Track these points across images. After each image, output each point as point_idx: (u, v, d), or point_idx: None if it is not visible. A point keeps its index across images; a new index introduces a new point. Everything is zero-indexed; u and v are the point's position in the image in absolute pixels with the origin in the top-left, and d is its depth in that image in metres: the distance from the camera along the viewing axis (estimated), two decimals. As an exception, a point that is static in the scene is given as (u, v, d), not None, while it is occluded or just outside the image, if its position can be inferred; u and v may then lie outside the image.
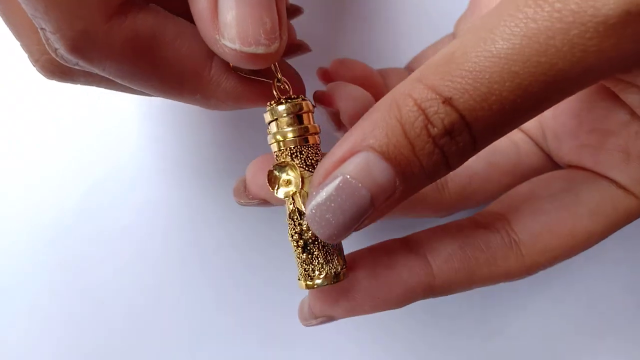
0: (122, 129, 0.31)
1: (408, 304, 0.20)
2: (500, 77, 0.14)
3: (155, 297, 0.31)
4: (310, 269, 0.18)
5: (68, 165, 0.31)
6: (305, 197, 0.18)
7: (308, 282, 0.18)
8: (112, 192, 0.31)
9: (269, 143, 0.19)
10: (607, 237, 0.20)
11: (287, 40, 0.18)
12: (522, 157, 0.24)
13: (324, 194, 0.16)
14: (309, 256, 0.18)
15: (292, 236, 0.18)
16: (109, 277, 0.31)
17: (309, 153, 0.19)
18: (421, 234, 0.20)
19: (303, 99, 0.19)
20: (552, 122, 0.23)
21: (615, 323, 0.32)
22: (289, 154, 0.18)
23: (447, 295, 0.20)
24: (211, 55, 0.18)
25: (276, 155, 0.19)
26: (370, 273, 0.19)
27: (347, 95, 0.21)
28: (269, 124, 0.19)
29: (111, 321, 0.31)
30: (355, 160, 0.16)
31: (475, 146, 0.15)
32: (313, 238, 0.18)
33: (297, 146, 0.18)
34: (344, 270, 0.19)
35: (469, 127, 0.15)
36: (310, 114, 0.19)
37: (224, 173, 0.31)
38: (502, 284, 0.20)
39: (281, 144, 0.19)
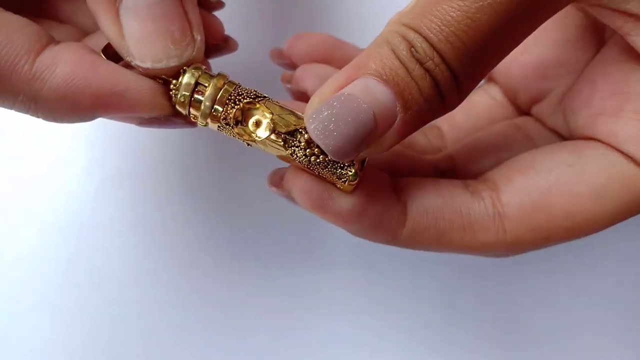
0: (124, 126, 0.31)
1: (366, 238, 0.19)
2: (452, 8, 0.15)
3: (155, 295, 0.31)
4: (340, 166, 0.18)
5: (67, 164, 0.31)
6: (278, 122, 0.18)
7: (343, 179, 0.18)
8: (111, 190, 0.31)
9: (205, 114, 0.18)
10: (620, 221, 0.18)
11: (203, 38, 0.18)
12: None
13: (325, 109, 0.16)
14: (325, 161, 0.17)
15: (305, 157, 0.18)
16: (107, 275, 0.31)
17: (240, 90, 0.18)
18: (411, 180, 0.20)
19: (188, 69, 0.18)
20: (569, 98, 0.21)
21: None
22: (232, 104, 0.18)
23: (410, 248, 0.19)
24: (37, 49, 0.17)
25: (224, 120, 0.18)
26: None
27: (313, 74, 0.22)
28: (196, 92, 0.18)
29: (110, 320, 0.31)
30: (354, 84, 0.16)
31: (457, 80, 0.16)
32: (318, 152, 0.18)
33: (231, 93, 0.18)
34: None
35: (441, 55, 0.15)
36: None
37: (223, 170, 0.31)
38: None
39: (219, 101, 0.18)
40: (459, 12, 0.15)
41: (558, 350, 0.31)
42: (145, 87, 0.18)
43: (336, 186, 0.18)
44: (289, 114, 0.18)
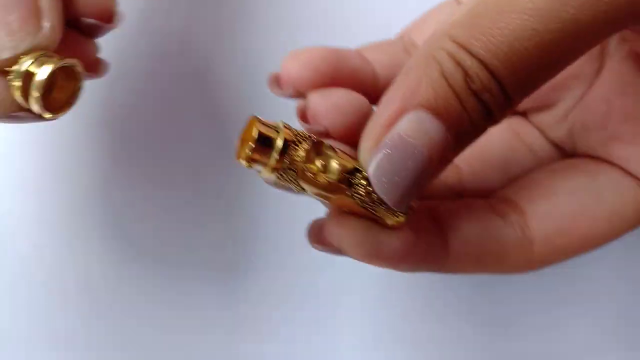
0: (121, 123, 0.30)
1: (413, 271, 0.19)
2: (521, 33, 0.14)
3: (153, 293, 0.31)
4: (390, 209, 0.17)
5: (63, 161, 0.30)
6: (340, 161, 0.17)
7: (394, 218, 0.17)
8: (108, 187, 0.31)
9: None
10: (618, 238, 0.20)
11: (56, 26, 0.17)
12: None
13: (382, 156, 0.15)
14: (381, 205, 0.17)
15: (367, 194, 0.17)
16: (105, 273, 0.31)
17: (295, 131, 0.17)
18: (449, 208, 0.20)
19: None
20: (579, 113, 0.21)
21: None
22: (294, 145, 0.17)
23: (445, 273, 0.20)
24: None
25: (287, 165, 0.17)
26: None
27: (331, 106, 0.19)
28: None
29: (109, 318, 0.31)
30: (407, 121, 0.15)
31: (510, 101, 0.15)
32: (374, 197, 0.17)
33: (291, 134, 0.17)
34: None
35: (499, 83, 0.15)
36: None
37: (222, 166, 0.30)
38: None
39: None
40: (528, 32, 0.14)
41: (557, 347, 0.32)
42: None
43: (384, 221, 0.18)
44: (343, 153, 0.17)
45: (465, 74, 0.15)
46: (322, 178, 0.17)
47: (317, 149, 0.17)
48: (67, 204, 0.31)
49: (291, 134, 0.17)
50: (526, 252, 0.19)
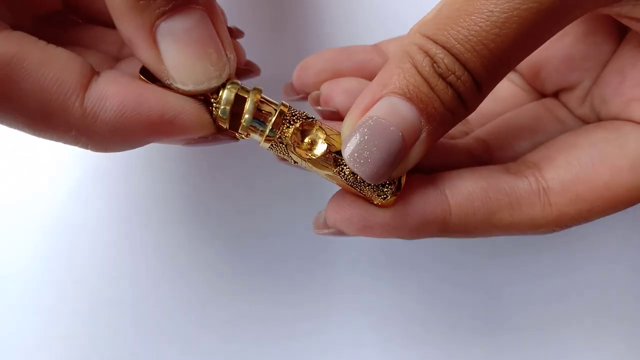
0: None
1: (421, 237, 0.20)
2: (480, 19, 0.16)
3: (152, 292, 0.31)
4: (379, 187, 0.19)
5: (61, 159, 0.31)
6: (332, 142, 0.19)
7: (382, 196, 0.19)
8: (106, 185, 0.31)
9: (267, 135, 0.19)
10: None
11: (235, 57, 0.19)
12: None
13: (357, 135, 0.17)
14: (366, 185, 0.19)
15: (352, 175, 0.19)
16: (104, 272, 0.31)
17: (293, 111, 0.19)
18: (447, 173, 0.20)
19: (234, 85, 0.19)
20: (597, 89, 0.22)
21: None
22: (287, 124, 0.19)
23: (464, 236, 0.20)
24: (84, 83, 0.17)
25: (279, 139, 0.19)
26: None
27: (341, 90, 0.22)
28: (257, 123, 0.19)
29: (108, 317, 0.31)
30: (380, 105, 0.17)
31: (479, 86, 0.17)
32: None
33: (285, 113, 0.19)
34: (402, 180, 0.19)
35: (465, 65, 0.16)
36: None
37: (221, 164, 0.31)
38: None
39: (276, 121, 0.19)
40: (487, 23, 0.16)
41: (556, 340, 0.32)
42: (192, 110, 0.18)
43: (372, 201, 0.19)
44: (337, 134, 0.19)
45: (432, 60, 0.16)
46: (308, 155, 0.18)
47: (308, 127, 0.19)
48: (67, 203, 0.31)
49: (287, 111, 0.19)
50: (542, 201, 0.19)
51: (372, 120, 0.17)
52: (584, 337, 0.32)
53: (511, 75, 0.25)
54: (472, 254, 0.32)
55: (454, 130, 0.24)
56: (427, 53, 0.17)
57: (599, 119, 0.22)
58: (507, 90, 0.25)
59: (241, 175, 0.31)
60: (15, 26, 0.17)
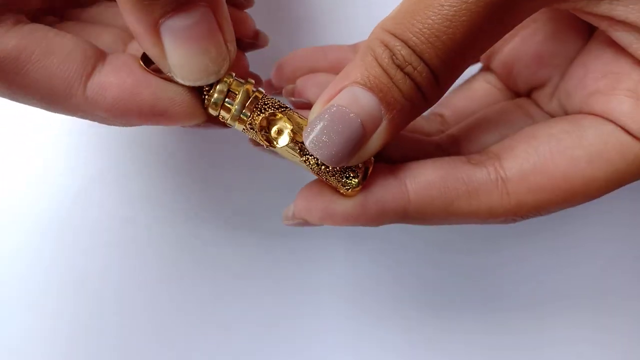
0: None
1: (381, 224, 0.20)
2: (434, 13, 0.17)
3: (152, 292, 0.31)
4: (345, 175, 0.19)
5: (63, 160, 0.31)
6: (297, 132, 0.20)
7: (346, 187, 0.19)
8: (108, 186, 0.31)
9: (232, 118, 0.20)
10: (616, 187, 0.19)
11: (235, 49, 0.19)
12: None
13: (318, 121, 0.18)
14: (333, 170, 0.19)
15: (316, 165, 0.19)
16: (104, 272, 0.31)
17: (266, 100, 0.20)
18: (409, 163, 0.20)
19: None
20: (563, 84, 0.23)
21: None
22: (257, 112, 0.19)
23: (424, 224, 0.20)
24: (89, 71, 0.19)
25: (249, 125, 0.19)
26: None
27: (313, 83, 0.23)
28: (224, 106, 0.19)
29: (107, 317, 0.31)
30: (342, 94, 0.18)
31: (436, 77, 0.18)
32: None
33: (258, 101, 0.19)
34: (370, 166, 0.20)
35: (421, 57, 0.17)
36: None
37: (221, 164, 0.32)
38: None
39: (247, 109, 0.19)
40: (439, 16, 0.17)
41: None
42: (183, 103, 0.19)
43: (341, 192, 0.20)
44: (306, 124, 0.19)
45: (391, 52, 0.17)
46: (274, 143, 0.19)
47: (274, 117, 0.19)
48: (69, 204, 0.31)
49: (260, 97, 0.19)
50: (500, 190, 0.19)
51: (334, 108, 0.18)
52: (584, 336, 0.32)
53: (487, 76, 0.26)
54: (472, 253, 0.32)
55: (430, 128, 0.25)
56: (387, 46, 0.17)
57: (565, 113, 0.22)
58: (483, 90, 0.26)
59: (246, 177, 0.32)
60: (36, 8, 0.19)
